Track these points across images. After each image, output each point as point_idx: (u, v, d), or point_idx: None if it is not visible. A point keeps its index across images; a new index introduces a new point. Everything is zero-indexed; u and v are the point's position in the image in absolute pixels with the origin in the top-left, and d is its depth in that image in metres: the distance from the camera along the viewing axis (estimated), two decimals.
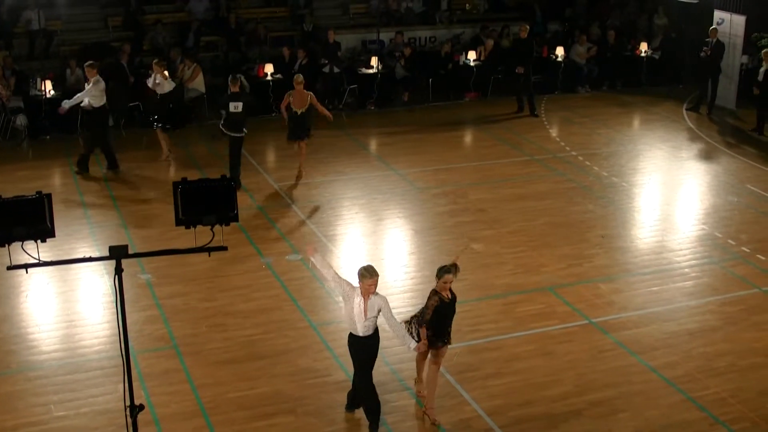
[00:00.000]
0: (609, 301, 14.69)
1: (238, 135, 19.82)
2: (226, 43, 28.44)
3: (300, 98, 19.99)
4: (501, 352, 13.16)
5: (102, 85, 20.45)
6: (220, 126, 20.15)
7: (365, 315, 10.74)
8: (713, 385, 12.31)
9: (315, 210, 18.62)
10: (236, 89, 19.96)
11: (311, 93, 20.36)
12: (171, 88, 21.83)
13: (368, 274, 10.67)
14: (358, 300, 10.74)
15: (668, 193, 20.11)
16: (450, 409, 11.73)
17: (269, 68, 25.82)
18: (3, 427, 11.42)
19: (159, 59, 22.18)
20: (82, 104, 20.73)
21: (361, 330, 10.83)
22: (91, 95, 20.33)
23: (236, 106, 19.62)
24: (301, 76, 20.49)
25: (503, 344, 13.38)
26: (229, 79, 20.17)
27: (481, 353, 13.08)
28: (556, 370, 12.67)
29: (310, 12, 30.11)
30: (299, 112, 19.99)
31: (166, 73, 21.74)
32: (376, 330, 10.95)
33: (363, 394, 11.25)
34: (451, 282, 11.15)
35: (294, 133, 20.32)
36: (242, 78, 24.20)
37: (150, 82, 21.87)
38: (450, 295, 11.26)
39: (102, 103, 20.56)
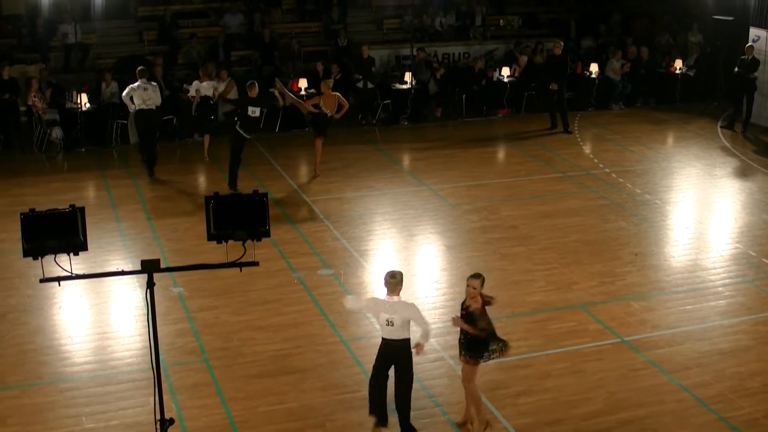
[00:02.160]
0: (641, 319, 14.59)
1: (248, 137, 20.46)
2: (260, 57, 28.58)
3: (330, 101, 20.98)
4: (531, 369, 13.10)
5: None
6: (236, 128, 20.42)
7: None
8: (746, 406, 12.19)
9: (347, 225, 18.63)
10: (254, 94, 20.42)
11: (338, 93, 21.46)
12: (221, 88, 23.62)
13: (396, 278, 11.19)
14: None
15: (702, 211, 19.98)
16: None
17: (303, 83, 25.92)
18: None
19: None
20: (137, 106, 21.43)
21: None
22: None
23: (254, 111, 20.18)
24: (332, 80, 21.87)
25: (534, 362, 13.32)
26: (247, 84, 20.77)
27: (511, 371, 13.02)
28: (587, 389, 12.59)
29: (344, 27, 30.25)
30: (329, 114, 21.04)
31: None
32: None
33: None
34: (474, 288, 11.24)
35: (316, 128, 21.42)
36: (275, 92, 24.37)
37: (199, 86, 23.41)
38: (470, 307, 11.30)
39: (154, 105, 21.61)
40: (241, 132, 20.20)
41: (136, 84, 21.20)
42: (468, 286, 11.30)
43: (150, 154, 21.77)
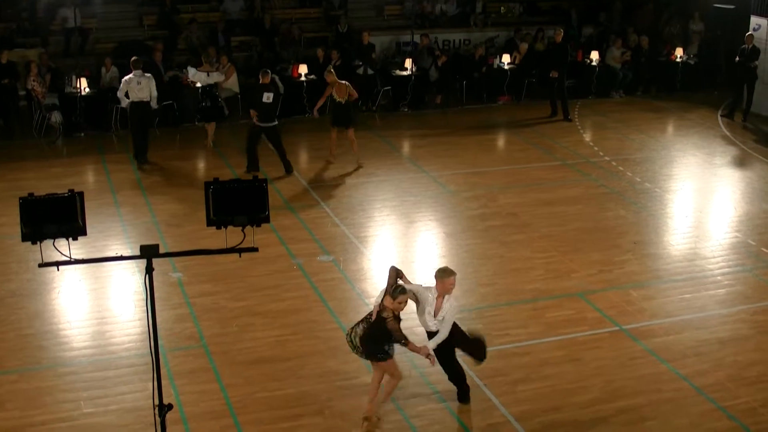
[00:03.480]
0: (640, 308, 14.60)
1: (273, 124, 20.64)
2: (260, 43, 28.54)
3: (339, 89, 21.04)
4: (530, 357, 13.10)
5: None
6: (255, 123, 20.61)
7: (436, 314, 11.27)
8: (744, 395, 12.20)
9: (346, 211, 18.62)
10: (267, 80, 20.48)
11: (348, 83, 21.42)
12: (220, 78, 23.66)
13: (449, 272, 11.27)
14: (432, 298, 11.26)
15: (701, 199, 19.97)
16: (478, 414, 11.70)
17: (303, 69, 25.92)
18: (32, 422, 11.48)
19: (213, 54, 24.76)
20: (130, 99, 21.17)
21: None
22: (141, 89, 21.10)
23: (268, 97, 20.29)
24: (332, 70, 21.79)
25: (532, 349, 13.32)
26: (261, 72, 20.82)
27: (509, 358, 13.04)
28: (585, 377, 12.60)
29: (345, 13, 30.21)
30: (343, 102, 21.12)
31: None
32: None
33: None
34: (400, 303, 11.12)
35: (337, 121, 21.47)
36: (277, 79, 24.34)
37: (200, 76, 23.29)
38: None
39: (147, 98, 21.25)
40: (262, 124, 20.49)
41: (129, 77, 20.98)
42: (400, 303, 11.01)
43: (139, 146, 21.56)
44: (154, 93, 21.24)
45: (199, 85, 23.29)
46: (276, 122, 20.73)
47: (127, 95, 21.02)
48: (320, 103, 21.74)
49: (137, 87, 20.85)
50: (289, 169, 20.90)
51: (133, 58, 21.24)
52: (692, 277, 15.77)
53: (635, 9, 32.27)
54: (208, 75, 23.00)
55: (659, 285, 15.51)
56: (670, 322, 14.17)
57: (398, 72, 27.07)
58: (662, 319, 14.24)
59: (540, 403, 11.97)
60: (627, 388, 12.34)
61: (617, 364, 12.93)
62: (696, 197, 20.13)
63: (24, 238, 8.34)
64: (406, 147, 23.48)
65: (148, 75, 21.20)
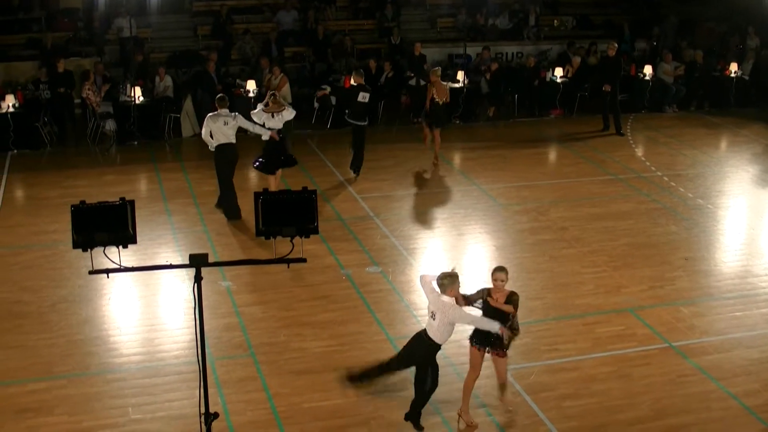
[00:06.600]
0: (690, 325, 14.46)
1: (363, 124, 21.08)
2: (312, 54, 28.67)
3: (441, 90, 21.72)
4: (578, 372, 13.02)
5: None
6: (346, 118, 21.29)
7: None
8: None
9: (396, 222, 18.62)
10: (362, 81, 21.01)
11: (447, 84, 22.38)
12: (292, 116, 19.54)
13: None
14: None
15: (754, 216, 19.76)
16: (524, 428, 11.64)
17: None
18: (80, 428, 11.59)
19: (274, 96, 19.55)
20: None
21: None
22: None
23: (364, 97, 20.77)
24: (440, 69, 22.62)
25: (581, 365, 13.24)
26: (358, 71, 21.42)
27: (558, 373, 12.96)
28: (633, 394, 12.49)
29: (398, 25, 30.26)
30: (441, 102, 21.75)
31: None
32: None
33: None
34: (502, 281, 11.46)
35: (435, 122, 22.00)
36: (328, 89, 24.37)
37: (264, 118, 18.86)
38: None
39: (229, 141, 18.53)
40: (353, 121, 21.04)
41: (213, 115, 18.20)
42: (495, 279, 11.46)
43: (230, 198, 18.81)
44: (251, 128, 18.87)
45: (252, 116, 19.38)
46: (366, 122, 21.15)
47: (211, 136, 18.29)
48: (427, 105, 22.00)
49: (223, 128, 18.15)
50: (357, 171, 21.34)
51: (219, 96, 18.73)
52: (744, 295, 15.60)
53: (694, 26, 32.06)
54: (273, 116, 18.82)
55: (710, 302, 15.36)
56: (720, 339, 14.02)
57: (450, 84, 27.02)
58: (713, 337, 14.10)
59: (587, 419, 11.89)
60: (675, 406, 12.22)
61: (666, 381, 12.82)
62: (748, 214, 19.91)
63: (75, 246, 8.45)
64: (456, 159, 23.44)
65: (235, 114, 18.40)
